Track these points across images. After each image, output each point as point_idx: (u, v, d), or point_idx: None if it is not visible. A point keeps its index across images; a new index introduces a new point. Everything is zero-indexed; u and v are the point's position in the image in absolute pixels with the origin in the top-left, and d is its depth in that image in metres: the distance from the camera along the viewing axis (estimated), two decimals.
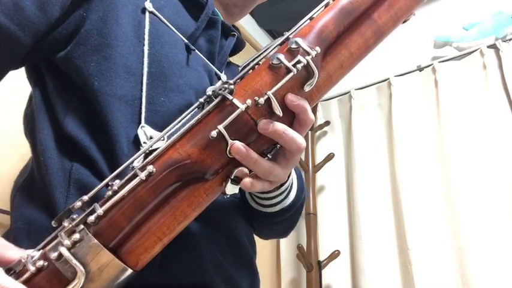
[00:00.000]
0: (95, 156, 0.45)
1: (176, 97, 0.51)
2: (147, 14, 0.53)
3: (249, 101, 0.37)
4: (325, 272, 1.70)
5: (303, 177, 0.62)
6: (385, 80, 1.89)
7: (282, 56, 0.38)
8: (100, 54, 0.48)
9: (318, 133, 2.00)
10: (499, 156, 1.50)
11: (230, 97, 0.37)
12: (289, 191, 0.56)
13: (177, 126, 0.40)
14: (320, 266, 1.69)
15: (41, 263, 0.33)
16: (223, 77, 0.61)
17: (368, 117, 1.90)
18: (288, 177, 0.52)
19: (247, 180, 0.39)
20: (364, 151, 1.82)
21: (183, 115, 0.40)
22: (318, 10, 0.43)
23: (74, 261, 0.32)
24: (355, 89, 1.97)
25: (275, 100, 0.37)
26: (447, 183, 1.57)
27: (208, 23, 0.60)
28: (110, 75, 0.47)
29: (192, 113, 0.40)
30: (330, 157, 1.85)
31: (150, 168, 0.35)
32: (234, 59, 0.72)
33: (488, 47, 1.68)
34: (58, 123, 0.47)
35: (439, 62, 1.78)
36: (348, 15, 0.42)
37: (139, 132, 0.46)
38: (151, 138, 0.45)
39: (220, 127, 0.36)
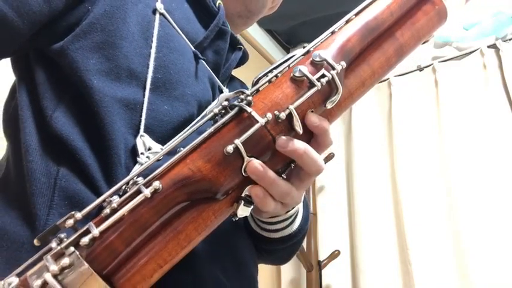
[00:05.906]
0: (86, 160, 0.40)
1: (181, 107, 0.47)
2: (157, 15, 0.50)
3: (269, 115, 0.34)
4: (325, 272, 1.70)
5: (309, 206, 0.60)
6: (385, 79, 1.89)
7: (305, 69, 0.36)
8: (102, 53, 0.44)
9: None
10: (499, 155, 1.50)
11: (249, 109, 0.34)
12: (294, 218, 0.52)
13: (178, 140, 0.36)
14: (320, 266, 1.69)
15: None
16: (226, 91, 0.59)
17: (368, 117, 1.90)
18: None
19: (260, 193, 0.35)
20: (364, 151, 1.82)
21: (193, 127, 0.37)
22: (339, 25, 0.40)
23: None
24: None
25: (297, 116, 0.35)
26: (447, 182, 1.57)
27: (218, 33, 0.57)
28: (110, 77, 0.43)
29: (198, 125, 0.37)
30: (330, 157, 1.85)
31: (157, 184, 0.31)
32: (235, 72, 0.70)
33: (488, 47, 1.69)
34: (45, 120, 0.42)
35: (439, 62, 1.78)
36: (372, 31, 0.40)
37: (138, 141, 0.42)
38: (149, 149, 0.42)
39: (238, 142, 0.33)
